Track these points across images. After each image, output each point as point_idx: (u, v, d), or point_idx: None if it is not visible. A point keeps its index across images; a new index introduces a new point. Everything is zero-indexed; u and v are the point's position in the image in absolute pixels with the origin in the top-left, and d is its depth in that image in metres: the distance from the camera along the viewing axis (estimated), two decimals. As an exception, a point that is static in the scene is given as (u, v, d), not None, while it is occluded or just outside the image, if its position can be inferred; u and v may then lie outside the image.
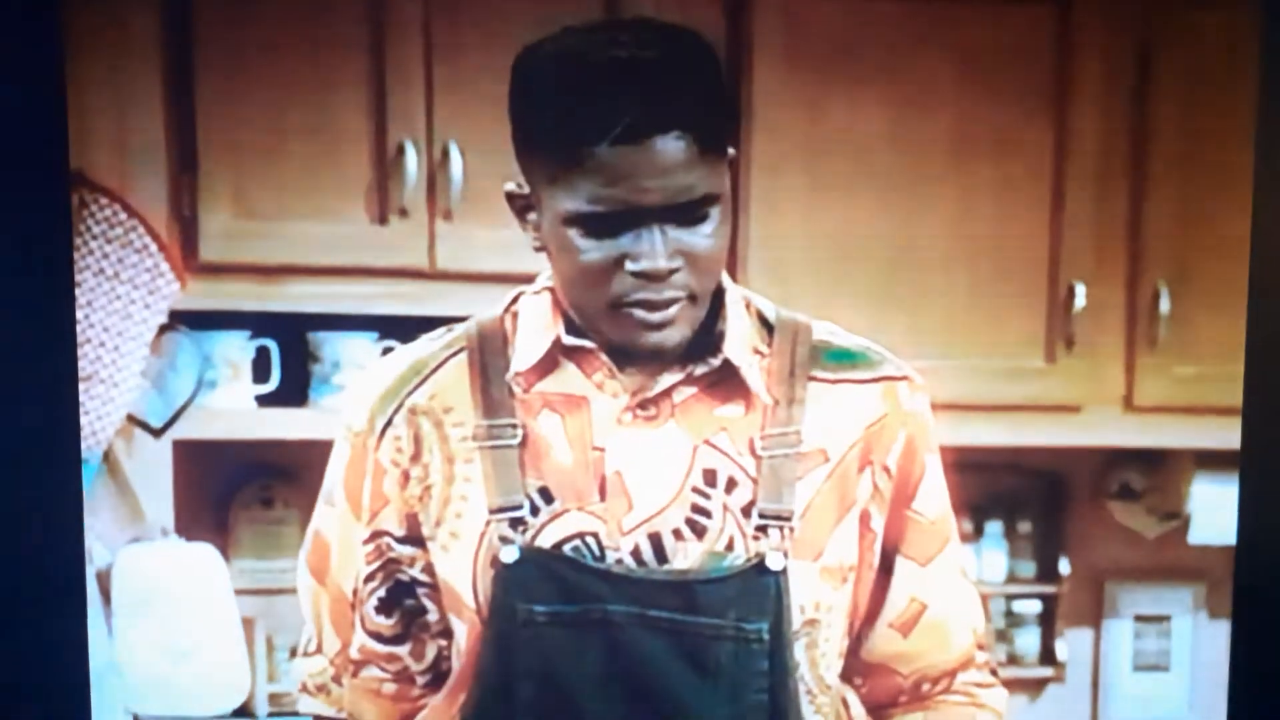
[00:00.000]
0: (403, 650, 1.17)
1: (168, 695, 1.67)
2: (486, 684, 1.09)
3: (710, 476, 1.09)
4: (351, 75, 1.65)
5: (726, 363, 1.09)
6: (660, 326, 1.04)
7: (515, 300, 1.15)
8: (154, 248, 1.64)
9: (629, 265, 1.02)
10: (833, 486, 1.10)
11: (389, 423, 1.12)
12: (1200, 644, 1.88)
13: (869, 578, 1.14)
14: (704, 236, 1.04)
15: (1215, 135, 1.68)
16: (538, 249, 1.08)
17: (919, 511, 1.14)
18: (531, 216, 1.07)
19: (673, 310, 1.04)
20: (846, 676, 1.16)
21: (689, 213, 1.02)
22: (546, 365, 1.11)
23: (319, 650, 1.21)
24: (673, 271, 1.03)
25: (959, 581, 1.17)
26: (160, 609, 1.66)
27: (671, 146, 1.00)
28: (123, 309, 1.65)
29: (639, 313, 1.04)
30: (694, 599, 1.06)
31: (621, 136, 0.99)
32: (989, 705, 1.17)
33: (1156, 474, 1.85)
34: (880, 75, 1.67)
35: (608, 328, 1.06)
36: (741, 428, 1.10)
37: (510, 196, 1.08)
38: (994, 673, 1.19)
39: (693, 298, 1.05)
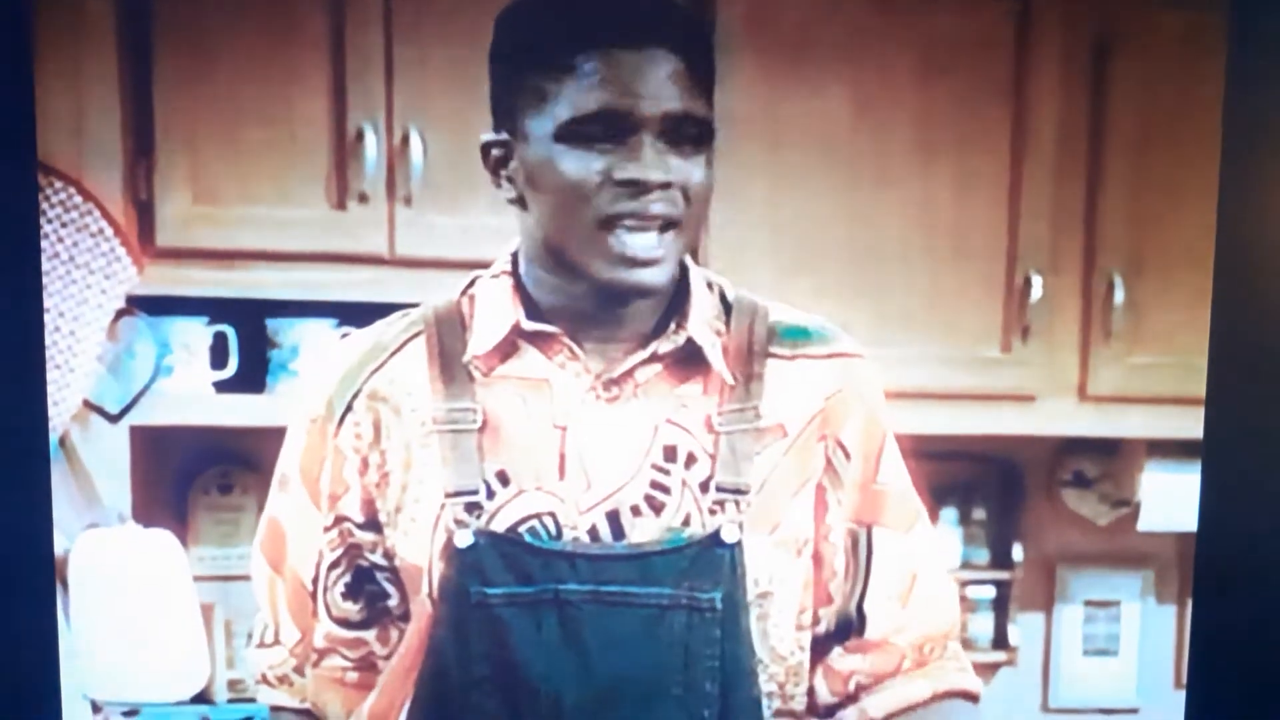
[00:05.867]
0: (369, 635, 1.17)
1: (126, 682, 1.66)
2: (442, 662, 1.10)
3: (670, 452, 1.10)
4: (311, 59, 1.63)
5: (689, 341, 1.10)
6: (647, 264, 1.04)
7: (472, 284, 1.15)
8: (110, 232, 1.63)
9: (618, 174, 1.02)
10: (791, 460, 1.12)
11: (348, 409, 1.12)
12: (1148, 629, 1.91)
13: (840, 560, 1.15)
14: (696, 165, 1.04)
15: (1170, 130, 1.70)
16: (511, 200, 1.08)
17: (885, 484, 1.16)
18: (508, 166, 1.07)
19: (659, 249, 1.04)
20: (844, 665, 1.17)
21: (681, 134, 1.03)
22: (505, 349, 1.11)
23: (277, 641, 1.21)
24: (663, 186, 1.02)
25: (940, 552, 1.19)
26: (118, 595, 1.65)
27: (664, 59, 1.01)
28: (79, 294, 1.63)
29: (626, 237, 1.03)
30: (648, 571, 1.08)
31: (618, 39, 1.00)
32: (971, 675, 1.20)
33: (1109, 462, 1.87)
34: (842, 66, 1.67)
35: (592, 259, 1.05)
36: (701, 405, 1.11)
37: (486, 147, 1.08)
38: None
39: (679, 227, 1.05)
